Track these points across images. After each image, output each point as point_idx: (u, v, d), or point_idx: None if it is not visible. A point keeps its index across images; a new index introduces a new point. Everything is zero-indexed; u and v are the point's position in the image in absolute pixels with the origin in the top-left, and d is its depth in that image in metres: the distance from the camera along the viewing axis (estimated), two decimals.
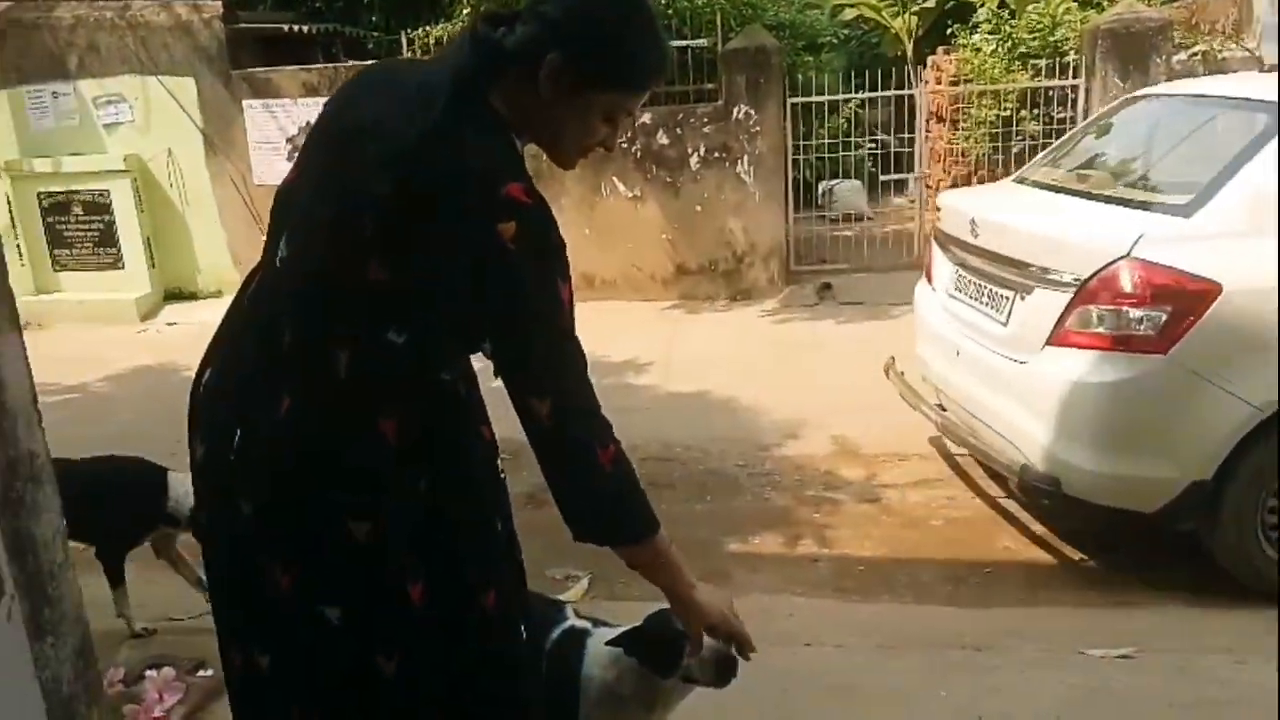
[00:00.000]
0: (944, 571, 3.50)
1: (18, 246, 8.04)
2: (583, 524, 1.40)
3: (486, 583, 1.45)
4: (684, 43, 7.92)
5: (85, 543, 2.91)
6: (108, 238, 8.01)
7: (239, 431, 1.38)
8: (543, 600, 2.09)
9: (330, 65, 8.37)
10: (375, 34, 10.08)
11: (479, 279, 1.29)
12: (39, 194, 7.96)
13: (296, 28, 9.12)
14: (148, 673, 2.62)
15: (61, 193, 7.96)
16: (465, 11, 8.26)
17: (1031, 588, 3.38)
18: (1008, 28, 8.90)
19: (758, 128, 7.58)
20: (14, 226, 8.01)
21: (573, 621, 1.92)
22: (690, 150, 7.65)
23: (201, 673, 2.67)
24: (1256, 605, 2.97)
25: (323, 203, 1.35)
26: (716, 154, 7.64)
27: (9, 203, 7.99)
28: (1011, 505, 3.97)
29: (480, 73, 1.35)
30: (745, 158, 7.62)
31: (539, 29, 1.34)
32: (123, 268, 8.02)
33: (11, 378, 1.78)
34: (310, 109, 7.77)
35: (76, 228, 8.03)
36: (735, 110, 7.58)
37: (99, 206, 7.94)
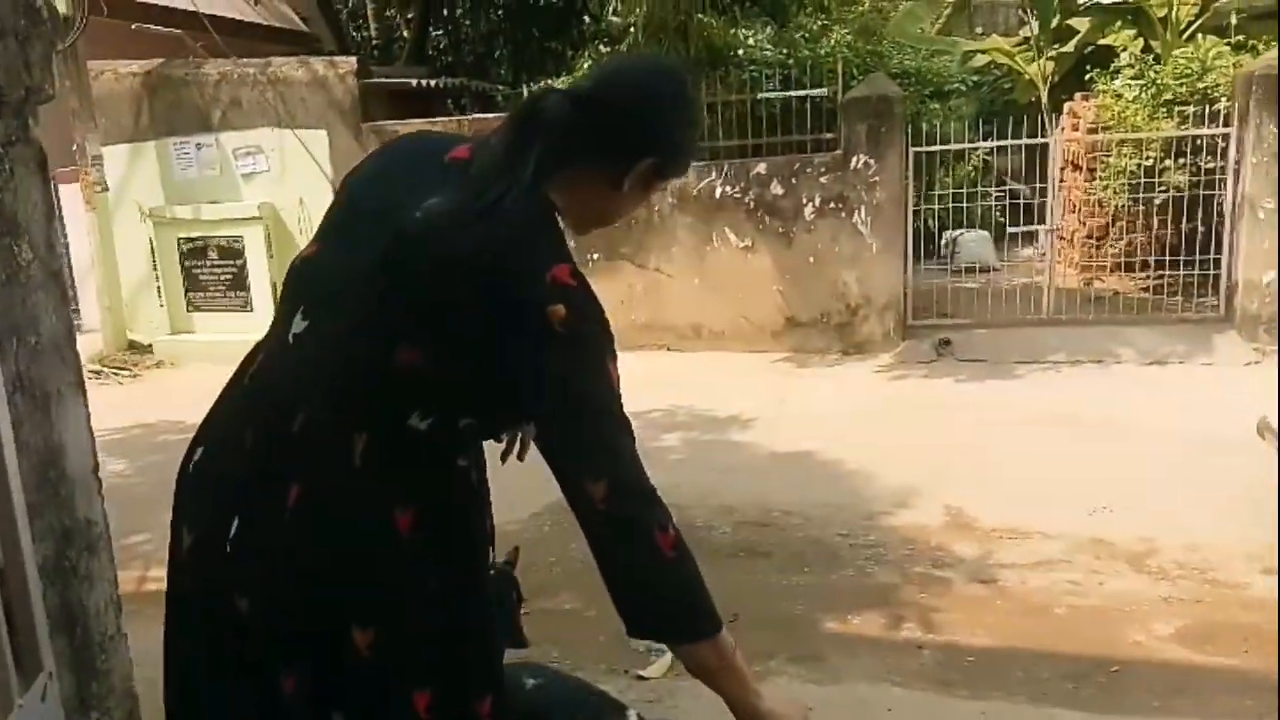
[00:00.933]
0: (1065, 668, 3.16)
1: (158, 288, 8.53)
2: (639, 615, 1.29)
3: (485, 687, 1.36)
4: (803, 92, 7.79)
5: None
6: (239, 282, 8.39)
7: (237, 520, 1.29)
8: (605, 701, 1.95)
9: (454, 119, 8.60)
10: (501, 87, 10.37)
11: (527, 364, 1.24)
12: (179, 239, 8.42)
13: (426, 82, 9.44)
14: None
15: (199, 238, 8.39)
16: (587, 65, 8.37)
17: (1166, 692, 3.01)
18: (1152, 73, 8.44)
19: (876, 177, 7.35)
20: (155, 269, 8.49)
21: None
22: (805, 200, 7.48)
23: None
24: None
25: (350, 279, 1.29)
26: (832, 204, 7.45)
27: (152, 247, 8.47)
28: (1144, 593, 3.61)
29: (550, 161, 1.32)
30: (862, 208, 7.40)
31: (626, 132, 1.37)
32: (251, 310, 8.36)
33: (72, 444, 1.78)
34: None
35: (211, 271, 8.44)
36: (854, 160, 7.38)
37: (233, 251, 8.33)
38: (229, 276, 8.42)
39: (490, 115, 8.73)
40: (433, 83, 9.54)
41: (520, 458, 1.70)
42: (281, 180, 8.47)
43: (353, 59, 8.80)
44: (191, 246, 8.42)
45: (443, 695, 1.30)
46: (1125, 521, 4.19)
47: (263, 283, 8.33)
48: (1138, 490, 4.50)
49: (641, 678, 3.11)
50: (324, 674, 1.28)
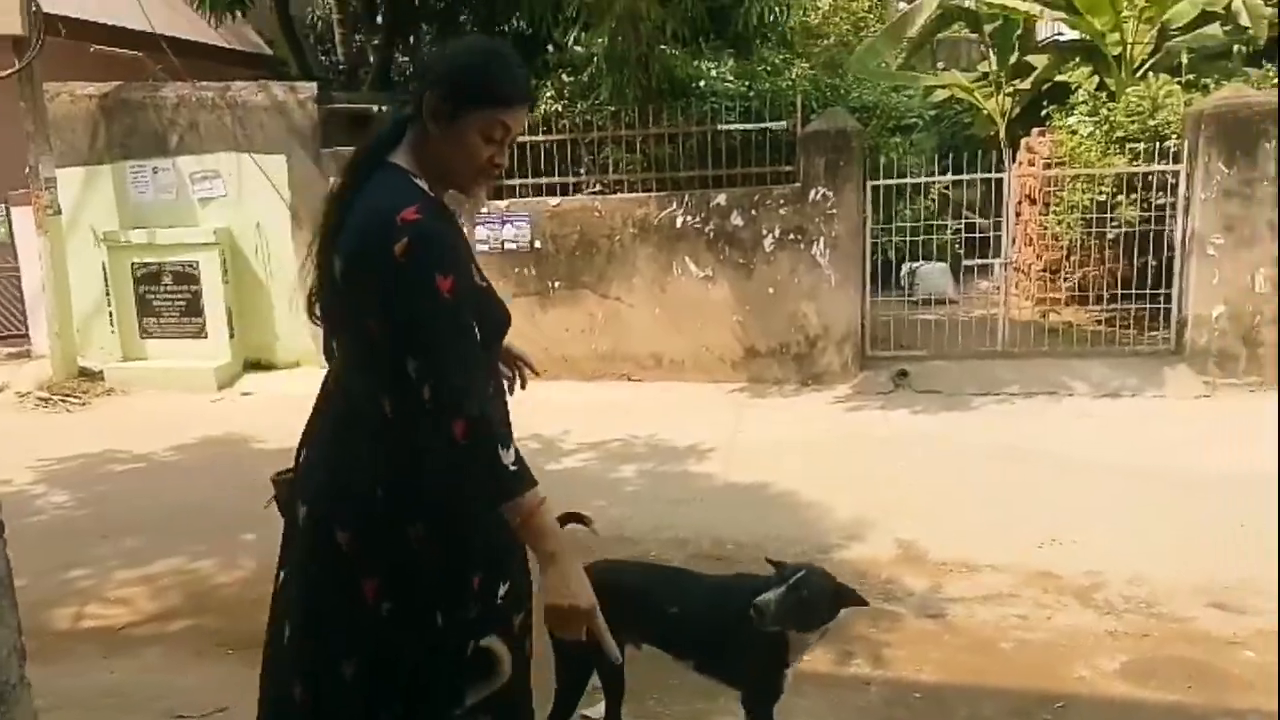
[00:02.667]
0: (1009, 704, 3.15)
1: (110, 314, 8.38)
2: (458, 488, 1.64)
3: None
4: (762, 125, 7.85)
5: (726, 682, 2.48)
6: (194, 307, 8.27)
7: (330, 480, 1.74)
8: None
9: None
10: None
11: (385, 298, 1.60)
12: (133, 264, 8.29)
13: (387, 108, 9.40)
14: None
15: (154, 263, 8.27)
16: (549, 94, 8.38)
17: None
18: (1106, 110, 8.60)
19: (835, 210, 7.42)
20: (108, 294, 8.34)
21: None
22: (764, 231, 7.53)
23: None
24: None
25: (331, 297, 1.75)
26: (791, 236, 7.50)
27: (105, 272, 8.33)
28: (1090, 628, 3.61)
29: (382, 141, 1.75)
30: (821, 240, 7.45)
31: (419, 84, 1.75)
32: (205, 337, 8.24)
33: None
34: None
35: (165, 297, 8.32)
36: (812, 192, 7.44)
37: (188, 277, 8.22)
38: (183, 302, 8.29)
39: None
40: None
41: (510, 390, 2.13)
42: (239, 205, 8.39)
43: (313, 84, 8.76)
44: (146, 271, 8.29)
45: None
46: (1073, 555, 4.21)
47: (218, 309, 8.22)
48: (1087, 523, 4.53)
49: (586, 718, 3.06)
50: (395, 581, 1.69)
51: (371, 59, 13.86)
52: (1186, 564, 4.05)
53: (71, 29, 8.88)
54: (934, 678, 3.34)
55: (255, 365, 8.43)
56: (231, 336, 8.28)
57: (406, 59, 13.80)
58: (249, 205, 8.34)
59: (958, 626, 3.69)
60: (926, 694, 3.23)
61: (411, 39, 13.36)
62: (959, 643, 3.58)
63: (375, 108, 9.23)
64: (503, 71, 1.73)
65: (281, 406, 7.75)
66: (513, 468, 1.62)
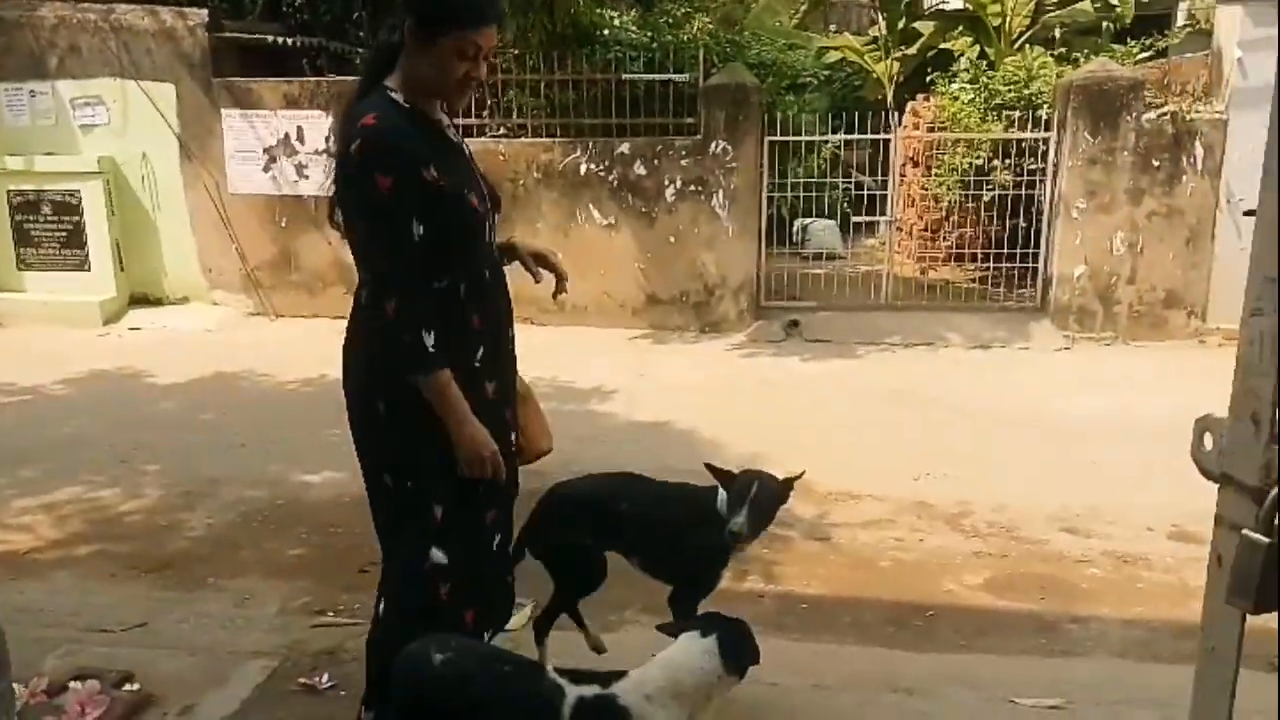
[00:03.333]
0: (886, 613, 3.49)
1: None
2: (379, 359, 1.98)
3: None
4: (666, 76, 8.00)
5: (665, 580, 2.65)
6: (75, 239, 7.94)
7: (342, 357, 2.11)
8: (519, 667, 1.97)
9: (312, 79, 8.37)
10: (360, 50, 10.10)
11: (345, 195, 1.94)
12: (9, 191, 7.90)
13: (281, 40, 9.12)
14: (71, 684, 2.58)
15: (32, 191, 7.89)
16: None
17: (973, 633, 3.38)
18: (985, 78, 9.06)
19: (734, 163, 7.65)
20: None
21: (563, 684, 1.88)
22: (666, 182, 7.71)
23: (127, 686, 2.62)
24: (1191, 661, 3.00)
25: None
26: (692, 187, 7.70)
27: None
28: (958, 548, 4.00)
29: (372, 67, 2.01)
30: (720, 192, 7.68)
31: (401, 13, 1.95)
32: (89, 270, 7.94)
33: None
34: (290, 121, 7.76)
35: (45, 227, 7.96)
36: (713, 145, 7.65)
37: (69, 207, 7.88)
38: (64, 233, 7.95)
39: (349, 78, 8.55)
40: (289, 41, 9.23)
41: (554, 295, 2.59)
42: (124, 134, 8.05)
43: (203, 10, 8.42)
44: (23, 200, 7.90)
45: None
46: (945, 486, 4.61)
47: (103, 242, 7.91)
48: (957, 460, 4.94)
49: (507, 630, 3.24)
50: (369, 445, 2.09)
51: None
52: (1044, 495, 4.49)
53: None
54: (820, 591, 3.66)
55: (142, 300, 8.17)
56: (121, 269, 7.99)
57: None
58: (135, 134, 8.02)
59: (841, 548, 4.03)
60: (813, 604, 3.55)
61: None
62: (842, 561, 3.91)
63: (270, 38, 8.96)
64: None
65: (172, 341, 7.68)
66: (433, 349, 1.90)
